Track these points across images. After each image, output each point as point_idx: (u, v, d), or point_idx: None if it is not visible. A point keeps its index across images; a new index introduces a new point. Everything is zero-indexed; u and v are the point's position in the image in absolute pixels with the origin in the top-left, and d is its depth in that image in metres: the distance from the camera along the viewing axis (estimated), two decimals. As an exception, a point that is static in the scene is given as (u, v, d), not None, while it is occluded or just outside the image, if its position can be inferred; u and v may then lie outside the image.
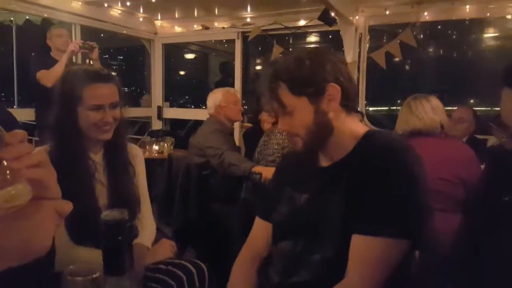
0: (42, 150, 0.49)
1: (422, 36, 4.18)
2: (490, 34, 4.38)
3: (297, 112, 1.03)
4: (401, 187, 0.95)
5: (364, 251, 0.95)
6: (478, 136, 3.02)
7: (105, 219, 0.45)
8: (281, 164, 1.34)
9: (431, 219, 1.03)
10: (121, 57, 7.41)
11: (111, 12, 4.37)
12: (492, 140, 2.62)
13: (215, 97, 2.94)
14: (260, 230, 1.24)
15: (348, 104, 1.06)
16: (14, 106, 3.68)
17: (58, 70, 3.08)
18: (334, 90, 1.01)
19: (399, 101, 6.36)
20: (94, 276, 0.67)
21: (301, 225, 1.09)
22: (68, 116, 1.32)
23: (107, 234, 0.45)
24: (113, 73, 1.44)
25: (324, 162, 1.12)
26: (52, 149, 1.32)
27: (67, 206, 0.49)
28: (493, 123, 0.81)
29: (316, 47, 1.29)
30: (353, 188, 0.99)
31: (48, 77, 3.15)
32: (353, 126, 1.08)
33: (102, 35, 5.05)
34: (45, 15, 3.78)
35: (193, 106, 6.37)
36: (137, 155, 1.56)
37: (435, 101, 2.05)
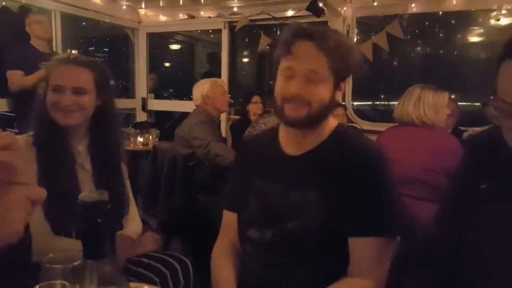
0: (10, 133, 0.46)
1: (409, 31, 4.21)
2: (474, 30, 4.44)
3: (324, 85, 1.03)
4: (386, 187, 1.02)
5: (368, 250, 1.01)
6: (462, 128, 3.07)
7: (83, 200, 0.42)
8: (243, 153, 1.30)
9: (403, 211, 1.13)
10: (104, 48, 7.26)
11: (93, 0, 4.25)
12: (468, 132, 2.67)
13: (202, 88, 2.92)
14: (231, 221, 1.23)
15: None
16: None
17: (25, 82, 3.05)
18: (344, 86, 1.09)
19: (382, 96, 6.41)
20: (74, 264, 0.64)
21: (271, 218, 1.09)
22: (41, 101, 1.31)
23: (85, 216, 0.42)
24: (93, 61, 1.39)
25: (291, 151, 1.12)
26: (34, 137, 1.29)
27: (40, 193, 0.47)
28: (485, 102, 0.80)
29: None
30: (333, 187, 1.02)
31: (14, 81, 3.14)
32: (329, 121, 1.12)
33: (83, 23, 4.91)
34: (23, 1, 3.65)
35: (177, 99, 6.27)
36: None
37: (441, 98, 2.05)
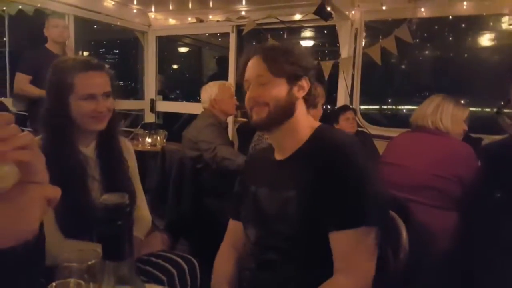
0: (29, 133, 0.48)
1: (418, 35, 4.19)
2: (485, 34, 4.39)
3: (273, 85, 1.15)
4: (359, 178, 1.05)
5: (347, 244, 1.03)
6: (472, 135, 3.05)
7: (105, 203, 0.43)
8: (246, 165, 1.46)
9: (389, 206, 1.15)
10: (115, 50, 7.33)
11: (105, 3, 4.31)
12: (487, 140, 2.64)
13: (210, 91, 2.91)
14: (235, 228, 1.34)
15: (310, 102, 1.21)
16: (7, 97, 3.62)
17: (29, 90, 3.17)
18: (305, 83, 1.17)
19: (390, 100, 6.38)
20: (89, 263, 0.66)
21: (262, 218, 1.18)
22: (59, 107, 1.28)
23: (106, 218, 0.43)
24: (102, 63, 1.40)
25: (278, 156, 1.22)
26: (44, 142, 1.28)
27: (55, 192, 0.49)
28: (499, 110, 0.81)
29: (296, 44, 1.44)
30: (309, 184, 1.07)
31: (20, 86, 3.25)
32: (307, 121, 1.20)
33: (95, 26, 4.98)
34: (38, 5, 3.71)
35: (184, 101, 6.31)
36: (128, 149, 1.54)
37: (461, 113, 2.05)
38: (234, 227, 1.34)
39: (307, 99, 1.20)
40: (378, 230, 1.05)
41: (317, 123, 1.22)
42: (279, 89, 1.15)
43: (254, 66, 1.18)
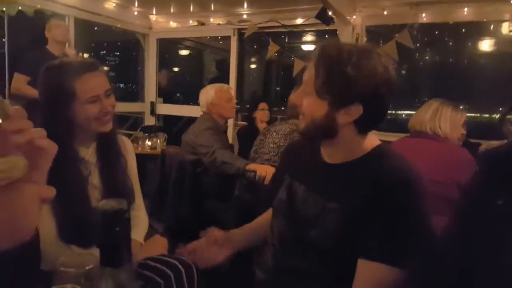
0: (42, 130, 0.48)
1: (418, 40, 4.20)
2: (485, 39, 4.40)
3: (313, 101, 1.03)
4: (413, 217, 0.96)
5: (372, 276, 0.96)
6: (471, 140, 3.05)
7: (103, 209, 0.43)
8: (285, 152, 1.37)
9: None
10: (116, 52, 7.34)
11: (106, 5, 4.31)
12: (485, 145, 2.64)
13: (207, 94, 2.90)
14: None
15: (365, 125, 1.05)
16: (6, 98, 3.61)
17: (26, 92, 3.20)
18: (356, 110, 1.00)
19: (390, 105, 6.37)
20: (87, 268, 0.65)
21: (295, 214, 1.12)
22: (61, 114, 1.24)
23: (104, 224, 0.43)
24: (95, 60, 1.36)
25: (326, 158, 1.12)
26: None
27: (50, 192, 0.49)
28: (503, 117, 0.80)
29: (375, 52, 0.99)
30: (353, 202, 0.99)
31: (17, 86, 3.28)
32: (363, 140, 1.07)
33: (96, 28, 4.98)
34: (38, 6, 3.72)
35: (185, 104, 6.32)
36: (128, 148, 1.52)
37: (459, 117, 2.05)
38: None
39: (360, 125, 1.04)
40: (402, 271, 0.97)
41: (376, 141, 1.10)
42: (317, 108, 1.03)
43: (308, 69, 1.06)
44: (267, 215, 1.31)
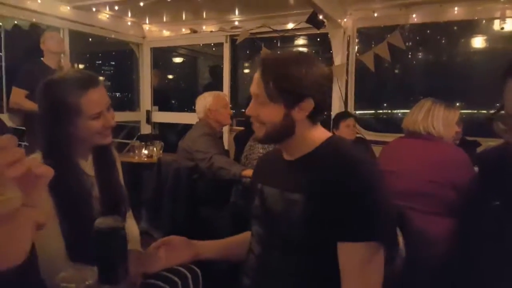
0: (35, 157, 0.49)
1: (410, 40, 4.23)
2: (477, 37, 4.43)
3: (269, 108, 1.11)
4: (374, 193, 1.02)
5: (358, 257, 1.00)
6: (468, 138, 3.06)
7: (99, 227, 0.44)
8: (257, 165, 1.44)
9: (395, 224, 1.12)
10: (110, 62, 7.35)
11: (99, 16, 4.34)
12: (483, 146, 2.65)
13: (205, 101, 2.93)
14: None
15: (316, 116, 1.14)
16: (3, 112, 3.63)
17: (25, 105, 3.21)
18: (308, 104, 1.10)
19: (385, 105, 6.40)
20: (87, 283, 0.66)
21: (267, 215, 1.17)
22: (64, 130, 1.23)
23: (101, 242, 0.44)
24: (94, 74, 1.34)
25: (287, 156, 1.20)
26: (45, 163, 1.25)
27: (45, 217, 0.48)
28: (493, 116, 0.82)
29: (306, 54, 1.37)
30: (314, 190, 1.05)
31: (16, 100, 3.29)
32: (315, 132, 1.16)
33: (90, 39, 4.99)
34: (34, 20, 3.75)
35: (180, 111, 6.33)
36: (116, 155, 1.51)
37: (452, 115, 2.05)
38: None
39: (312, 117, 1.13)
40: (383, 246, 1.02)
41: (328, 133, 1.19)
42: (275, 113, 1.11)
43: (254, 82, 1.14)
44: (245, 234, 1.34)
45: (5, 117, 3.41)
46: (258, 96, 1.13)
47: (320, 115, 1.16)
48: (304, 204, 1.06)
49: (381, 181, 1.06)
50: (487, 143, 2.62)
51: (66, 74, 1.30)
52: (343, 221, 1.00)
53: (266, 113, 1.12)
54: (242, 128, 4.24)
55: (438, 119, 2.02)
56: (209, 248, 1.30)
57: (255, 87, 1.14)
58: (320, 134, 1.17)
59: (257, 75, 1.13)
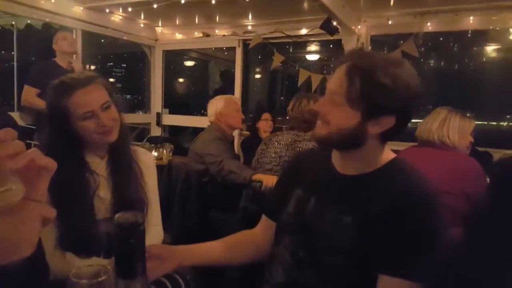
0: (36, 149, 0.48)
1: (423, 47, 4.20)
2: (492, 46, 4.38)
3: (344, 111, 0.99)
4: (432, 235, 0.94)
5: None
6: (479, 149, 3.02)
7: (118, 221, 0.43)
8: (293, 164, 1.30)
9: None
10: (122, 64, 7.42)
11: (112, 18, 4.38)
12: (500, 154, 2.61)
13: (216, 104, 2.93)
14: (263, 225, 1.27)
15: (391, 135, 1.02)
16: (14, 111, 3.67)
17: (35, 103, 3.24)
18: (388, 121, 0.98)
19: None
20: (99, 279, 0.65)
21: (306, 228, 1.08)
22: (64, 130, 1.26)
23: (119, 236, 0.43)
24: (94, 74, 1.35)
25: (340, 169, 1.09)
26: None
27: (51, 213, 0.49)
28: None
29: (403, 61, 1.02)
30: (369, 216, 0.97)
31: (27, 98, 3.32)
32: (381, 152, 1.06)
33: (102, 40, 5.04)
34: (47, 19, 3.79)
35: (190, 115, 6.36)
36: (145, 159, 1.49)
37: (468, 125, 2.02)
38: (265, 224, 1.25)
39: (387, 135, 1.02)
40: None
41: (392, 154, 1.08)
42: (348, 119, 0.98)
43: (335, 77, 1.01)
44: (230, 238, 1.26)
45: (16, 115, 3.45)
46: (334, 94, 1.00)
47: (395, 134, 1.02)
48: (355, 229, 0.98)
49: (441, 219, 0.97)
50: (503, 153, 2.58)
51: (65, 77, 1.31)
52: (393, 253, 0.93)
53: (338, 115, 1.00)
54: (248, 133, 4.25)
55: (454, 129, 1.99)
56: (193, 253, 1.17)
57: (335, 83, 1.00)
58: (386, 153, 1.06)
59: (340, 71, 1.00)
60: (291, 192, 1.17)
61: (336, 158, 1.11)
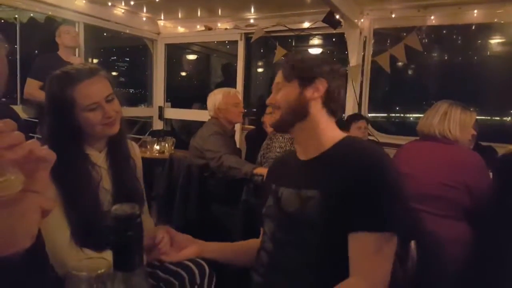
0: (35, 140, 0.48)
1: (426, 40, 4.18)
2: (496, 40, 4.34)
3: (285, 89, 1.20)
4: (389, 186, 1.04)
5: (368, 247, 1.00)
6: (482, 143, 3.02)
7: (116, 213, 0.43)
8: (271, 167, 1.45)
9: (412, 217, 1.15)
10: (125, 57, 7.42)
11: (115, 11, 4.37)
12: (504, 149, 2.60)
13: (214, 99, 2.91)
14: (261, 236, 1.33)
15: (331, 106, 1.19)
16: (17, 104, 3.68)
17: (40, 97, 3.14)
18: (320, 84, 1.17)
19: (398, 108, 6.33)
20: (99, 272, 0.66)
21: (282, 213, 1.18)
22: (66, 123, 1.26)
23: (116, 229, 0.43)
24: (97, 66, 1.34)
25: (302, 157, 1.22)
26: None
27: (51, 204, 0.49)
28: None
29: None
30: (331, 186, 1.07)
31: (30, 91, 3.33)
32: (331, 128, 1.20)
33: (105, 34, 5.04)
34: (49, 13, 3.79)
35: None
36: (136, 151, 1.53)
37: (469, 118, 2.01)
38: (262, 235, 1.33)
39: (327, 103, 1.19)
40: (397, 238, 1.03)
41: (343, 134, 1.21)
42: (290, 92, 1.18)
43: (277, 77, 1.24)
44: (252, 241, 1.35)
45: (18, 108, 3.45)
46: (277, 84, 1.22)
47: (334, 103, 1.20)
48: (320, 200, 1.07)
49: (397, 175, 1.07)
50: (507, 148, 2.58)
51: (67, 68, 1.31)
52: (358, 211, 1.02)
53: (282, 95, 1.20)
54: (252, 127, 4.24)
55: (454, 123, 1.99)
56: (213, 248, 1.29)
57: (277, 78, 1.23)
58: (336, 133, 1.20)
59: (279, 71, 1.23)
60: (270, 189, 1.27)
61: (297, 147, 1.26)
